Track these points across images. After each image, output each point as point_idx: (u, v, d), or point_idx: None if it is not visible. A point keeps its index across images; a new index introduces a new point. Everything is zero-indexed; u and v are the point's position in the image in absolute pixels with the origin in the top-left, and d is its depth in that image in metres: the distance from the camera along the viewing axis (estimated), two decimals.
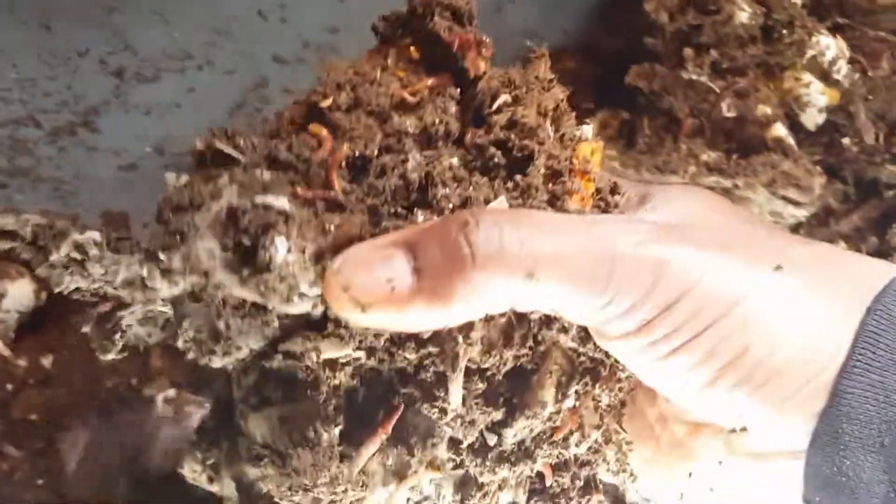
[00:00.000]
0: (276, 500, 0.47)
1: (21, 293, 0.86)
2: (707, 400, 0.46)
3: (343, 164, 0.46)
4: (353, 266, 0.43)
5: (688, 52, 0.64)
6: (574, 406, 0.51)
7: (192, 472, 0.53)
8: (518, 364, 0.49)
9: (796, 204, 0.65)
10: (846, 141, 0.65)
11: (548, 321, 0.48)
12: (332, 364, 0.46)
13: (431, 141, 0.48)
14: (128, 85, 0.78)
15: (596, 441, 0.53)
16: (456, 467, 0.51)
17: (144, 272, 0.45)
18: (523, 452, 0.51)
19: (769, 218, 0.66)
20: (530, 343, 0.48)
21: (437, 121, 0.48)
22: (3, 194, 0.85)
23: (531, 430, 0.50)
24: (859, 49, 0.65)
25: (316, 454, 0.46)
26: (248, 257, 0.44)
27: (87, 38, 0.73)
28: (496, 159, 0.47)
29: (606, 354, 0.50)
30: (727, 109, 0.64)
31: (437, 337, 0.46)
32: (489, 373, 0.48)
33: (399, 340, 0.46)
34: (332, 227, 0.44)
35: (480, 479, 0.51)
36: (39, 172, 0.85)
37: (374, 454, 0.48)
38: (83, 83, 0.76)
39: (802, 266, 0.46)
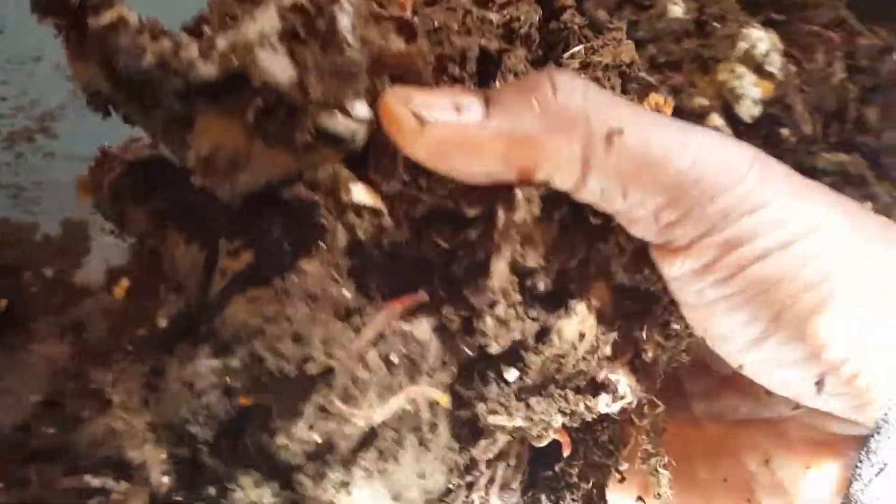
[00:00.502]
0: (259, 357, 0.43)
1: None
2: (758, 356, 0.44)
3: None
4: (416, 89, 0.42)
5: None
6: (609, 356, 0.48)
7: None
8: (555, 286, 0.46)
9: None
10: (784, 132, 0.67)
11: (603, 233, 0.45)
12: (360, 211, 0.43)
13: (510, 36, 0.46)
14: None
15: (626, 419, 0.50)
16: (461, 406, 0.47)
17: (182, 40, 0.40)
18: (543, 392, 0.47)
19: None
20: (581, 256, 0.45)
21: (522, 19, 0.46)
22: None
23: (558, 368, 0.47)
24: (794, 43, 0.67)
25: (316, 309, 0.42)
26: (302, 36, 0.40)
27: (39, 42, 0.73)
28: None
29: (655, 299, 0.47)
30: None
31: (487, 196, 0.43)
32: (529, 280, 0.45)
33: (445, 190, 0.43)
34: (397, 47, 0.42)
35: (486, 422, 0.47)
36: None
37: (378, 339, 0.44)
38: (38, 88, 0.77)
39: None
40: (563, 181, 0.42)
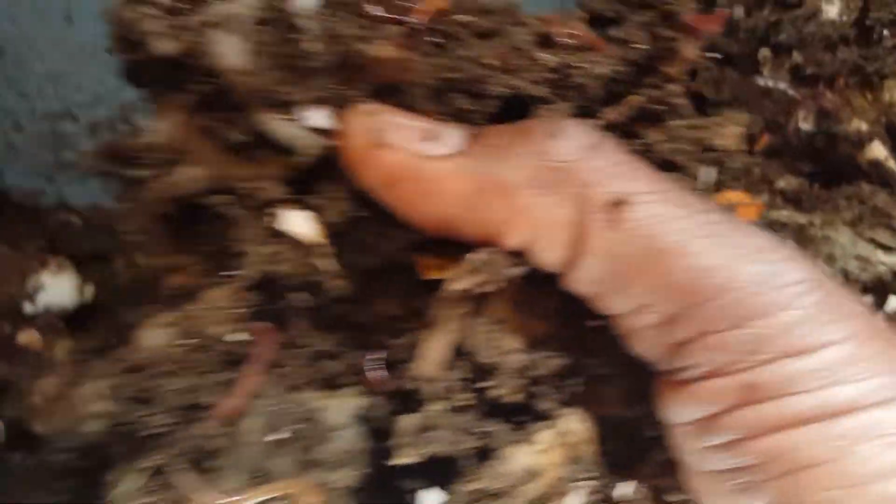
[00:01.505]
0: None
1: (62, 288, 0.85)
2: None
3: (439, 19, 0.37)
4: (391, 108, 0.35)
5: (764, 53, 0.54)
6: None
7: None
8: (522, 398, 0.38)
9: (887, 249, 0.55)
10: None
11: (598, 342, 0.37)
12: (290, 242, 0.38)
13: (558, 84, 0.39)
14: None
15: None
16: None
17: None
18: None
19: (853, 264, 0.55)
20: (563, 367, 0.37)
21: (582, 68, 0.38)
22: (52, 188, 0.85)
23: None
24: None
25: (200, 350, 0.36)
26: None
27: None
28: None
29: (654, 447, 0.39)
30: (810, 124, 0.54)
31: (439, 248, 0.36)
32: (486, 381, 0.38)
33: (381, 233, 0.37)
34: (382, 53, 0.35)
35: None
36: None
37: (244, 403, 0.37)
38: (113, 77, 0.74)
39: None
40: (546, 254, 0.34)
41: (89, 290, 0.88)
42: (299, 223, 0.36)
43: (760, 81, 0.56)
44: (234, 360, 0.37)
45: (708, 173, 0.39)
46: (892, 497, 0.29)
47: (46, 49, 0.72)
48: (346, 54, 0.35)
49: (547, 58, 0.38)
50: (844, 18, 0.53)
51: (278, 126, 0.35)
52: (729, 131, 0.38)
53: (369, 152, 0.34)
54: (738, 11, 0.58)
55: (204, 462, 0.35)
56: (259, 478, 0.36)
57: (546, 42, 0.39)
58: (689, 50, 0.39)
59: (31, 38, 0.71)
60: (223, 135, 0.36)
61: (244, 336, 0.37)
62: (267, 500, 0.36)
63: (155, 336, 0.37)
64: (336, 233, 0.37)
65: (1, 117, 0.77)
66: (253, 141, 0.36)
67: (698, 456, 0.34)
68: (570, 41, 0.39)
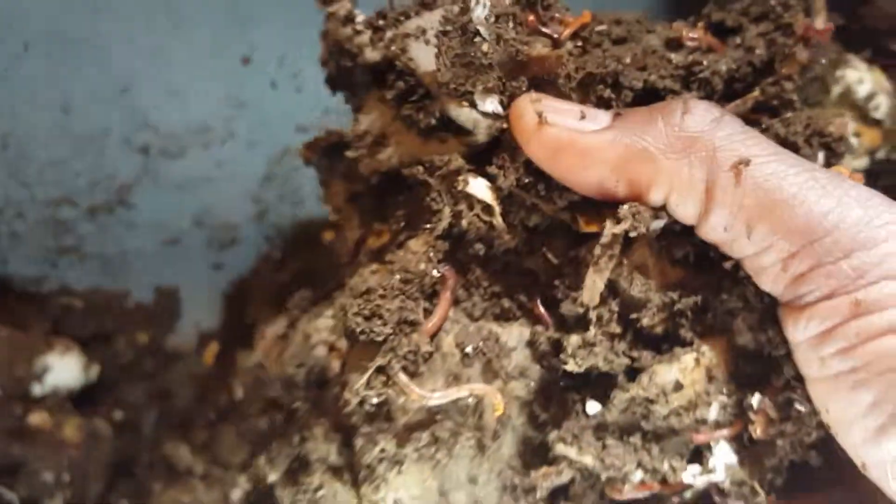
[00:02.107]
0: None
1: (69, 368, 0.87)
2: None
3: (581, 28, 0.47)
4: (551, 97, 0.43)
5: None
6: (710, 421, 0.45)
7: None
8: (664, 328, 0.45)
9: None
10: None
11: (730, 283, 0.43)
12: (471, 202, 0.45)
13: (687, 79, 0.46)
14: (155, 161, 0.78)
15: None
16: (534, 427, 0.46)
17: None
18: (624, 437, 0.45)
19: None
20: (700, 303, 0.44)
21: (705, 65, 0.46)
22: (54, 273, 0.88)
23: (645, 415, 0.45)
24: None
25: (405, 283, 0.44)
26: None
27: (107, 118, 0.74)
28: None
29: (776, 368, 0.44)
30: None
31: (593, 208, 0.43)
32: (634, 314, 0.44)
33: (549, 192, 0.44)
34: (538, 51, 0.44)
35: (554, 450, 0.45)
36: (84, 250, 0.87)
37: (455, 327, 0.45)
38: (111, 162, 0.78)
39: None
40: (682, 208, 0.40)
41: (94, 370, 0.90)
42: (478, 188, 0.44)
43: None
44: (432, 291, 0.45)
45: (820, 156, 0.45)
46: None
47: (45, 138, 0.75)
48: (511, 54, 0.43)
49: (674, 57, 0.46)
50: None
51: (461, 112, 0.44)
52: (838, 121, 0.44)
53: (536, 130, 0.41)
54: None
55: (412, 366, 0.43)
56: (452, 381, 0.44)
57: (674, 45, 0.47)
58: (802, 54, 0.46)
59: (30, 128, 0.74)
60: (417, 121, 0.45)
61: (437, 273, 0.45)
62: (460, 397, 0.44)
63: (372, 274, 0.46)
64: (507, 196, 0.45)
65: (4, 206, 0.79)
66: (441, 125, 0.44)
67: (818, 364, 0.40)
68: (694, 44, 0.47)
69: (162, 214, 0.85)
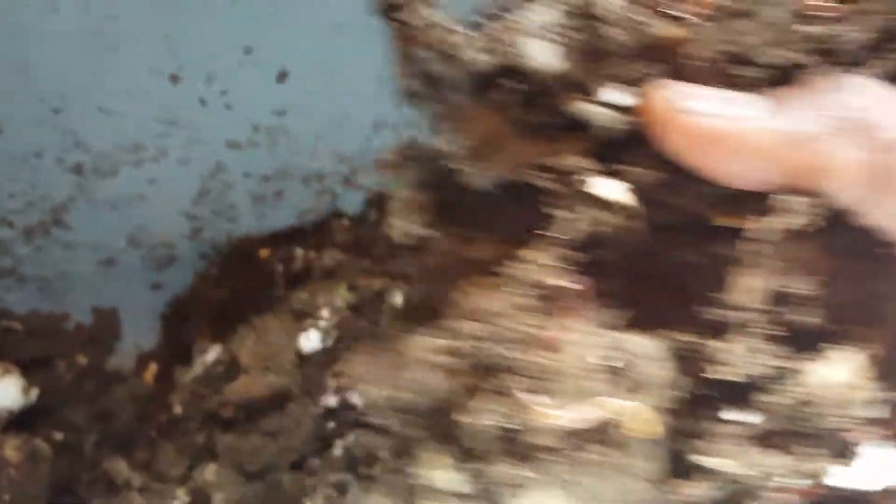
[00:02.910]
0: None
1: (7, 391, 0.88)
2: None
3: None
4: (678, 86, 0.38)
5: None
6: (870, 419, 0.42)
7: None
8: (822, 324, 0.41)
9: None
10: None
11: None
12: (598, 204, 0.41)
13: (829, 54, 0.41)
14: (89, 181, 0.80)
15: None
16: (674, 437, 0.43)
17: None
18: (778, 442, 0.42)
19: None
20: (861, 295, 0.41)
21: (844, 36, 0.41)
22: None
23: (803, 418, 0.42)
24: None
25: (526, 295, 0.41)
26: None
27: (39, 139, 0.76)
28: None
29: None
30: None
31: (736, 200, 0.39)
32: (787, 311, 0.41)
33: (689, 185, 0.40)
34: (671, 33, 0.40)
35: (697, 461, 0.42)
36: (22, 272, 0.88)
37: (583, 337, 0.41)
38: (45, 183, 0.79)
39: None
40: (846, 193, 0.37)
41: (34, 392, 0.91)
42: (608, 188, 0.41)
43: None
44: (558, 304, 0.41)
45: None
46: None
47: None
48: (638, 38, 0.40)
49: (806, 29, 0.41)
50: None
51: (585, 108, 0.40)
52: None
53: (675, 121, 0.38)
54: None
55: (542, 384, 0.40)
56: (585, 397, 0.41)
57: (804, 17, 0.41)
58: None
59: None
60: (531, 123, 0.42)
61: (563, 284, 0.41)
62: (594, 414, 0.40)
63: (485, 295, 0.42)
64: (640, 194, 0.41)
65: None
66: (559, 124, 0.41)
67: None
68: (824, 14, 0.41)
69: (98, 234, 0.86)
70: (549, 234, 0.41)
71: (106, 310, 0.96)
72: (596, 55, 0.40)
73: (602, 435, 0.41)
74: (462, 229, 0.47)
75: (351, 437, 0.71)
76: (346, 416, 0.75)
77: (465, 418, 0.40)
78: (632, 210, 0.41)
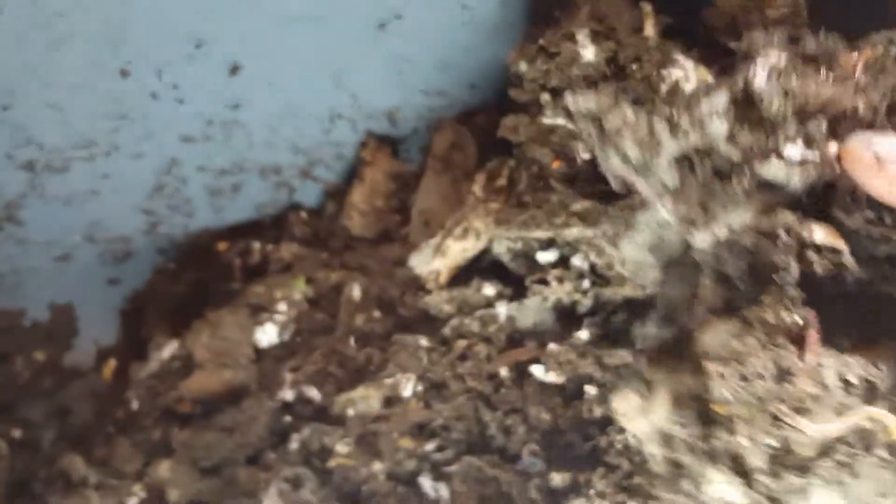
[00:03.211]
0: None
1: None
2: None
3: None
4: (876, 133, 0.44)
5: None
6: None
7: None
8: None
9: None
10: None
11: None
12: (817, 249, 0.48)
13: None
14: (40, 177, 0.79)
15: None
16: None
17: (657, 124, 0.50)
18: None
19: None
20: None
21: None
22: None
23: None
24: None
25: (768, 333, 0.47)
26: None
27: None
28: None
29: None
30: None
31: None
32: None
33: None
34: (825, 94, 0.46)
35: None
36: None
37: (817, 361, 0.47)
38: None
39: None
40: None
41: None
42: (821, 234, 0.48)
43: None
44: (796, 336, 0.47)
45: None
46: None
47: None
48: (801, 104, 0.46)
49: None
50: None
51: (768, 168, 0.47)
52: None
53: (876, 168, 0.43)
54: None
55: (802, 405, 0.45)
56: (842, 410, 0.46)
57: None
58: None
59: None
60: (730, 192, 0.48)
61: (797, 319, 0.47)
62: (856, 424, 0.46)
63: (716, 336, 0.48)
64: (851, 233, 0.48)
65: None
66: (754, 188, 0.48)
67: None
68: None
69: (52, 230, 0.85)
70: (777, 280, 0.48)
71: (62, 306, 0.95)
72: (768, 124, 0.46)
73: (864, 439, 0.47)
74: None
75: (307, 431, 0.71)
76: (303, 410, 0.74)
77: (743, 441, 0.46)
78: (841, 248, 0.48)
